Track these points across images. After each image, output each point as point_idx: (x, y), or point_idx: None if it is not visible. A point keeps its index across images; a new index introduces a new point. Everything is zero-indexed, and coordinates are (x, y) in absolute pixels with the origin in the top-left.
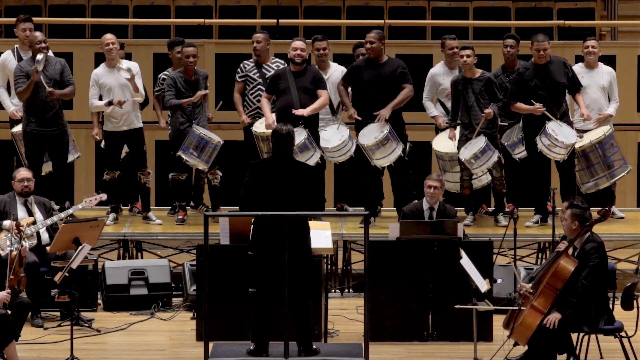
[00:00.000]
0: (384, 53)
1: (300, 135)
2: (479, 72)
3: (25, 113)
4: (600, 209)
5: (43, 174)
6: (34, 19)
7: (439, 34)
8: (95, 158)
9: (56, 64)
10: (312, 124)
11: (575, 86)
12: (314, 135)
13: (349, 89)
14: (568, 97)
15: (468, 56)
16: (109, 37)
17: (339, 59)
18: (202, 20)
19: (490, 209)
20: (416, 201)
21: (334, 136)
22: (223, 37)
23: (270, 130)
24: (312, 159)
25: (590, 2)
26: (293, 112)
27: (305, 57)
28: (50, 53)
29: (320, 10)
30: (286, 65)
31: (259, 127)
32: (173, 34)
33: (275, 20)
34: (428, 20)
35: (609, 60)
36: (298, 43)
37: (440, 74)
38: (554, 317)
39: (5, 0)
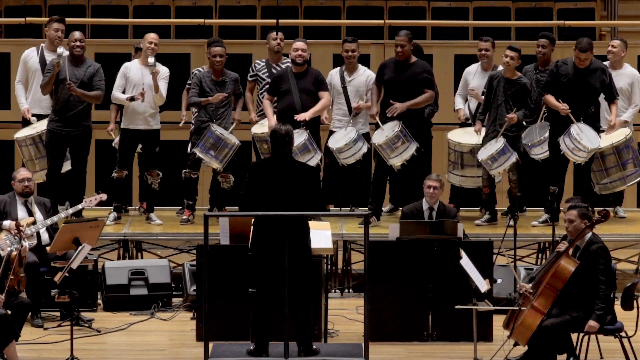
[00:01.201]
0: (411, 54)
1: (301, 137)
2: (517, 75)
3: (52, 111)
4: (600, 209)
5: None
6: (34, 19)
7: (439, 34)
8: (96, 158)
9: (89, 67)
10: (313, 126)
11: (610, 94)
12: (315, 137)
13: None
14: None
15: (512, 58)
16: (153, 36)
17: (339, 59)
18: (202, 20)
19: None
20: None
21: (342, 138)
22: (223, 37)
23: (266, 131)
24: (312, 160)
25: (590, 2)
26: (295, 117)
27: (306, 58)
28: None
29: (320, 10)
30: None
31: (257, 128)
32: (173, 34)
33: (275, 20)
34: (428, 20)
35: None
36: (299, 44)
37: (471, 73)
38: (592, 326)
39: (5, 0)
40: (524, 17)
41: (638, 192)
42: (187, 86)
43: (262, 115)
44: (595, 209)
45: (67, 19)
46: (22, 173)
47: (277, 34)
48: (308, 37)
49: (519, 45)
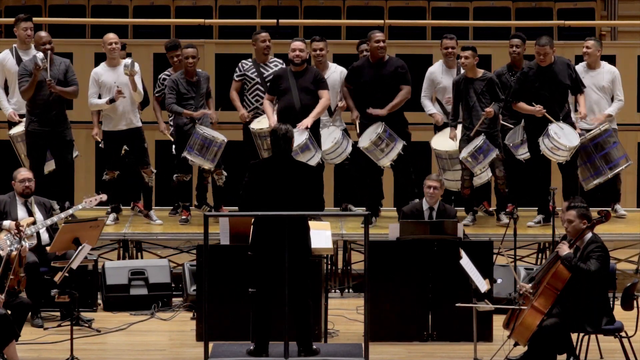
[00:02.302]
0: None
1: (302, 136)
2: (480, 72)
3: (28, 112)
4: (600, 209)
5: (45, 172)
6: (34, 19)
7: (439, 34)
8: (95, 158)
9: (60, 64)
10: (313, 125)
11: (577, 87)
12: (316, 136)
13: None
14: (570, 97)
15: (467, 57)
16: (111, 36)
17: (339, 59)
18: (202, 20)
19: (492, 208)
20: (416, 201)
21: (327, 139)
22: (223, 37)
23: (266, 126)
24: (313, 160)
25: (590, 2)
26: (297, 127)
27: (305, 58)
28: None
29: (320, 10)
30: (285, 64)
31: (257, 124)
32: (173, 34)
33: (275, 20)
34: (428, 20)
35: (609, 61)
36: (297, 44)
37: (438, 73)
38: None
39: (5, 0)
40: (524, 17)
41: (638, 192)
42: (155, 94)
43: (256, 114)
44: (595, 209)
45: (67, 19)
46: (22, 173)
47: (266, 35)
48: (308, 37)
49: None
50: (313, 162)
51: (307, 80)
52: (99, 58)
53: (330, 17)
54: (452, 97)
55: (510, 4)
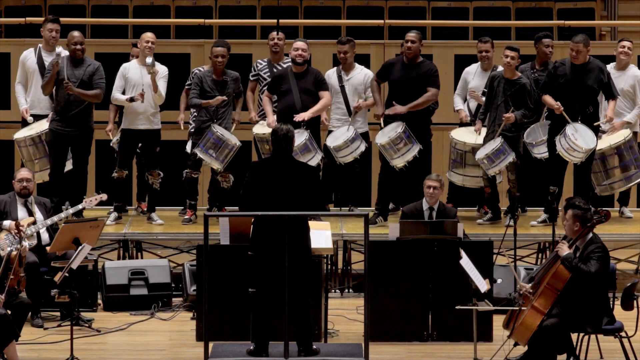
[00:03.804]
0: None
1: (302, 137)
2: (517, 75)
3: (54, 110)
4: (600, 209)
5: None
6: (34, 19)
7: (439, 34)
8: (96, 158)
9: (89, 66)
10: (313, 126)
11: (610, 93)
12: (315, 137)
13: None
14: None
15: (512, 58)
16: (150, 35)
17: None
18: (202, 20)
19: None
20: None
21: (341, 136)
22: (223, 37)
23: (268, 131)
24: (312, 160)
25: (590, 2)
26: (294, 118)
27: (307, 58)
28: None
29: (320, 10)
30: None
31: (259, 128)
32: (173, 34)
33: (275, 20)
34: (428, 20)
35: (609, 60)
36: (299, 43)
37: (470, 73)
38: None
39: (5, 0)
40: (524, 17)
41: (638, 192)
42: (186, 87)
43: (263, 115)
44: (595, 208)
45: (67, 19)
46: (22, 173)
47: (277, 34)
48: (308, 37)
49: (518, 45)
50: (313, 163)
51: (308, 81)
52: (99, 58)
53: (330, 17)
54: (486, 90)
55: (510, 4)
